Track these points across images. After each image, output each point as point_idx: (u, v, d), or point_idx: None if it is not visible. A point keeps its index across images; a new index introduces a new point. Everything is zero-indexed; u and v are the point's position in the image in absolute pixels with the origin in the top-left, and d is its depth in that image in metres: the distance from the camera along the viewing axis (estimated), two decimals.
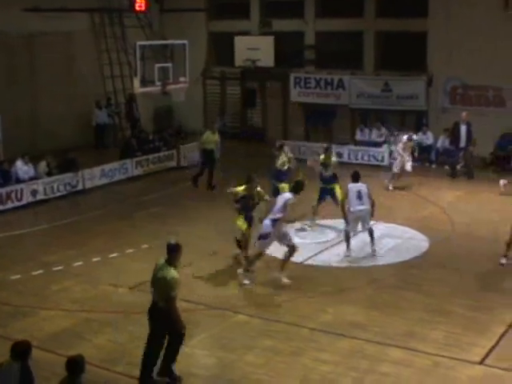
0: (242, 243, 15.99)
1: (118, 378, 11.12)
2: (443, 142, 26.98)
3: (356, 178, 16.93)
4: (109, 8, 29.07)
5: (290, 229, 18.53)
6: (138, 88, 24.59)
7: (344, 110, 29.85)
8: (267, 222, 14.74)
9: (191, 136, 30.44)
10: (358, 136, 28.67)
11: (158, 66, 24.66)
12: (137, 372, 10.97)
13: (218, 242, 17.44)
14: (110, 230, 19.00)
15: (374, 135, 28.27)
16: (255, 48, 30.39)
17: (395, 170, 23.24)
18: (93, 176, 23.52)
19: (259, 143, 30.01)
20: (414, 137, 24.00)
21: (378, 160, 26.98)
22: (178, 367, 10.93)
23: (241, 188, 15.89)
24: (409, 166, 23.07)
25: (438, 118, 27.82)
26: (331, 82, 29.88)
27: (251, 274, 15.07)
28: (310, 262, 16.27)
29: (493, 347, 12.01)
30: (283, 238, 14.85)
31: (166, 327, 10.65)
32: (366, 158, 27.22)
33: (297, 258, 16.05)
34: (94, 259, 16.48)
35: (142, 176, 25.21)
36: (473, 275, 15.44)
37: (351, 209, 16.63)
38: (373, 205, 16.68)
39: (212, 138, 23.15)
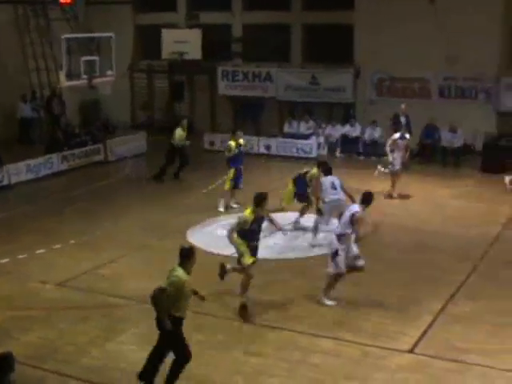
0: (243, 277, 13.39)
1: (47, 376, 10.93)
2: (370, 133, 27.31)
3: (328, 171, 17.04)
4: (33, 0, 28.53)
5: (219, 222, 18.73)
6: (63, 81, 24.28)
7: (272, 102, 29.95)
8: (333, 237, 13.43)
9: (119, 130, 30.22)
10: (287, 128, 28.78)
11: (84, 59, 24.33)
12: (67, 369, 10.91)
13: (145, 237, 17.36)
14: (37, 225, 18.65)
15: (302, 128, 28.41)
16: (182, 41, 30.23)
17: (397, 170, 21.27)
18: (18, 171, 23.05)
19: (188, 136, 29.83)
20: (407, 135, 21.92)
21: (306, 152, 27.12)
22: (107, 364, 10.86)
23: (248, 212, 13.09)
24: (397, 164, 21.19)
25: (366, 110, 28.12)
26: (259, 74, 29.96)
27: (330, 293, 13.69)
28: None
29: (421, 336, 12.21)
30: (351, 259, 13.37)
31: (169, 340, 10.11)
32: (294, 150, 27.34)
33: (226, 251, 16.08)
34: (22, 256, 16.15)
35: (69, 171, 24.83)
36: (401, 265, 15.65)
37: (326, 199, 16.69)
38: (350, 196, 16.61)
39: (183, 135, 23.16)
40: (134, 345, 11.90)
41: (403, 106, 25.19)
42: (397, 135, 21.55)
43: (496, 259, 16.05)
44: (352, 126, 27.82)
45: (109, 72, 25.41)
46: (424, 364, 11.31)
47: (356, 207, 13.46)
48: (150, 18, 31.96)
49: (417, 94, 27.50)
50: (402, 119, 25.07)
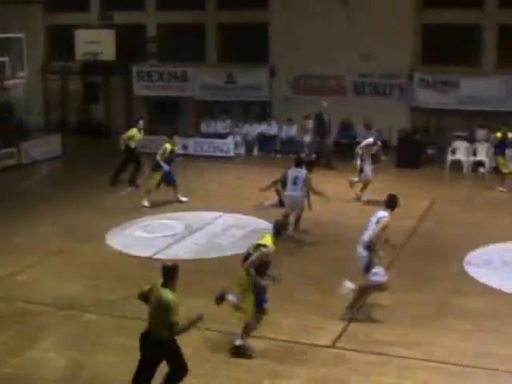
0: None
1: None
2: (287, 131, 27.48)
3: (297, 164, 17.03)
4: None
5: (139, 224, 18.56)
6: None
7: (189, 102, 29.86)
8: (360, 249, 12.69)
9: (33, 132, 29.61)
10: (204, 128, 28.74)
11: None
12: None
13: (63, 241, 17.06)
14: None
15: (220, 127, 28.40)
16: (96, 41, 29.82)
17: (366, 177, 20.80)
18: None
19: (103, 138, 29.52)
20: (379, 142, 21.41)
21: (223, 151, 27.15)
22: (29, 373, 10.63)
23: (270, 242, 11.70)
24: (369, 172, 20.78)
25: (282, 107, 28.26)
26: (175, 74, 29.84)
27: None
28: (159, 255, 16.09)
29: (343, 330, 12.32)
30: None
31: (162, 357, 9.67)
32: (211, 149, 27.32)
33: (146, 251, 15.97)
34: None
35: None
36: (320, 261, 15.77)
37: (286, 193, 16.91)
38: (308, 194, 16.75)
39: (138, 136, 22.70)
40: (55, 351, 11.66)
41: (325, 104, 25.24)
42: (371, 139, 20.96)
43: (412, 253, 16.28)
44: (269, 124, 27.94)
45: (20, 73, 24.91)
46: (346, 358, 11.40)
47: (383, 213, 12.59)
48: (62, 18, 31.38)
49: (333, 91, 27.74)
50: (326, 117, 25.23)
